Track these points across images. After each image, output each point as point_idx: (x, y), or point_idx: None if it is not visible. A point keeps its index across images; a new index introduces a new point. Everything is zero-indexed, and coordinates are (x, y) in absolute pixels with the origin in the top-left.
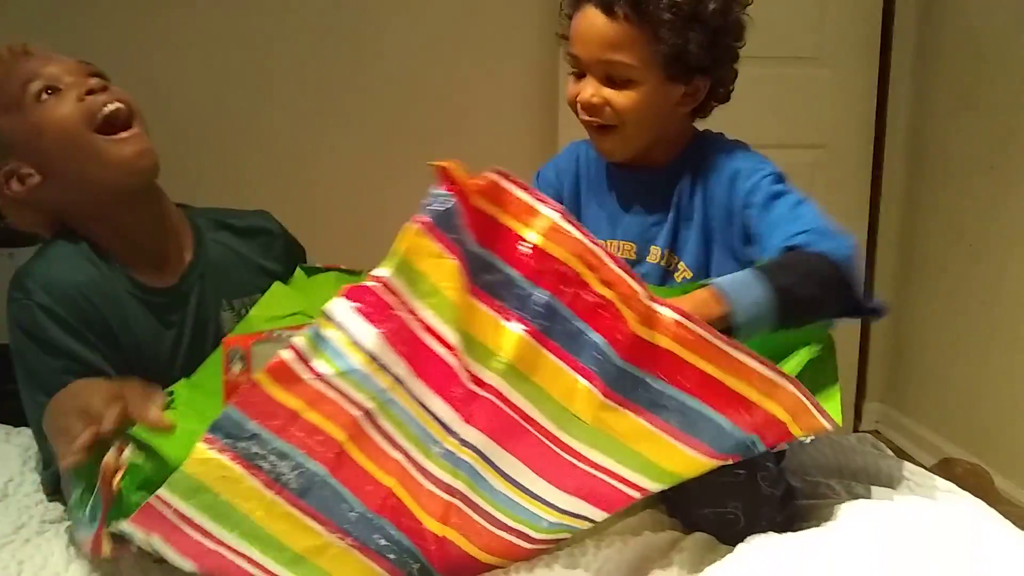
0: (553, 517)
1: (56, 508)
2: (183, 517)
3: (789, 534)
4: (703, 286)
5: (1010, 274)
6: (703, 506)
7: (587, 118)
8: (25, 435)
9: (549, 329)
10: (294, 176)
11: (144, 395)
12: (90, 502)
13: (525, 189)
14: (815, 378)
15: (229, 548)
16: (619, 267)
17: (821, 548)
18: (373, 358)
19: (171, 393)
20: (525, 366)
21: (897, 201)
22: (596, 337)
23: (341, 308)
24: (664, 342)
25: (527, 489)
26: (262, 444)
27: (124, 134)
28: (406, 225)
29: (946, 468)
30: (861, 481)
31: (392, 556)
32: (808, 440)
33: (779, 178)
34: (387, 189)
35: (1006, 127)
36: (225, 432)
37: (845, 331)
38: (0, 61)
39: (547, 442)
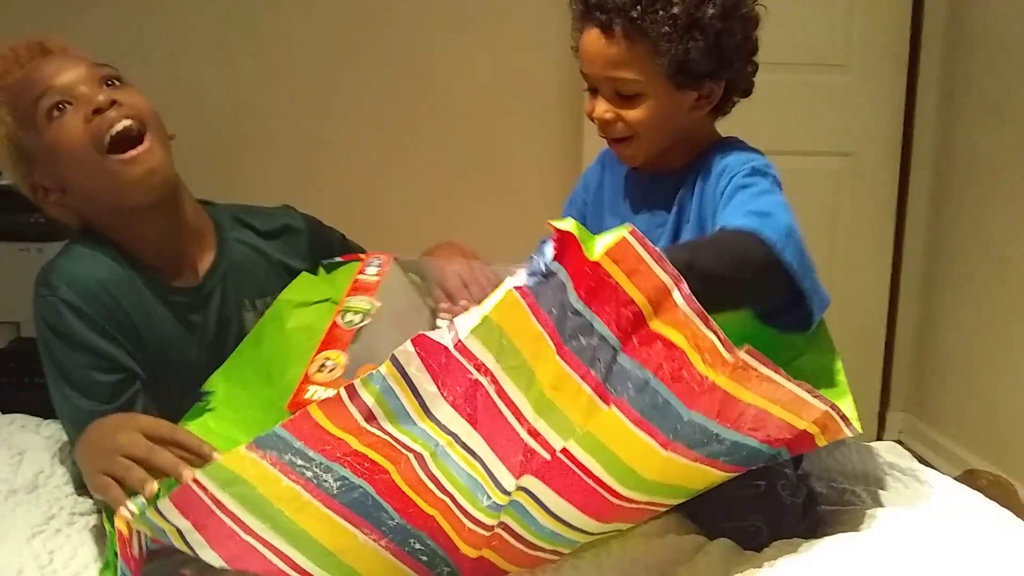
0: (588, 539)
1: (86, 501)
2: (217, 502)
3: (814, 541)
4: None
5: None
6: (725, 519)
7: (603, 133)
8: (54, 427)
9: (636, 401)
10: (308, 177)
11: (177, 441)
12: (117, 565)
13: (653, 255)
14: (826, 380)
15: (258, 539)
16: (725, 347)
17: (846, 555)
18: (432, 416)
19: (206, 394)
20: (606, 438)
21: (924, 209)
22: (679, 404)
23: (409, 359)
24: (735, 390)
25: (572, 525)
26: (307, 459)
27: (134, 152)
28: (502, 286)
29: (970, 479)
30: (887, 489)
31: (424, 559)
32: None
33: (756, 171)
34: (405, 191)
35: None
36: (270, 446)
37: (869, 340)
38: (16, 59)
39: (607, 496)
